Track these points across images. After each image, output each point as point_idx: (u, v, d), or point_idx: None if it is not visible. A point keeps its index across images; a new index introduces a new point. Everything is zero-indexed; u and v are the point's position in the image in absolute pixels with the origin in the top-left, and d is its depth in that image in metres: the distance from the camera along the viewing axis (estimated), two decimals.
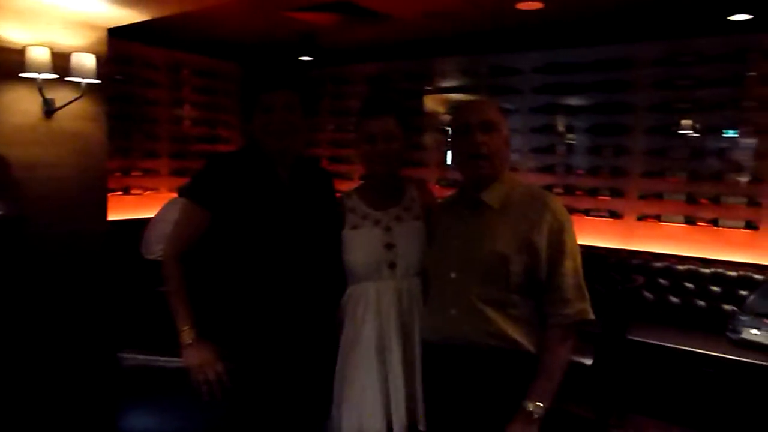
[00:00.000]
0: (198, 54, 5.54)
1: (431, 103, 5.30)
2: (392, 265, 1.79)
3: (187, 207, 1.81)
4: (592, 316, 1.62)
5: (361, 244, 1.82)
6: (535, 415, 1.56)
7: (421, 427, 1.74)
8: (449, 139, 1.77)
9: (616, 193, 4.28)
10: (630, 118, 4.23)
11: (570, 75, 4.45)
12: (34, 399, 2.87)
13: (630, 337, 3.35)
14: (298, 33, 4.52)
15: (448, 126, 1.75)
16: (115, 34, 4.02)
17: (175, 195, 4.64)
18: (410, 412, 1.74)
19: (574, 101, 4.52)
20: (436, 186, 4.92)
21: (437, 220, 1.82)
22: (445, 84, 5.20)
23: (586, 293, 1.62)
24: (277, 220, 1.77)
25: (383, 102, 1.87)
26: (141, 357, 1.73)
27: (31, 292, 2.92)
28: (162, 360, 1.73)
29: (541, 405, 1.57)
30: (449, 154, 4.83)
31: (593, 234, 4.28)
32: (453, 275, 1.66)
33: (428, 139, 5.22)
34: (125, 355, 1.73)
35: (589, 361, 3.02)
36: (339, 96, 5.73)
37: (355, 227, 1.84)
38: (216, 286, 1.80)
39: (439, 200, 1.95)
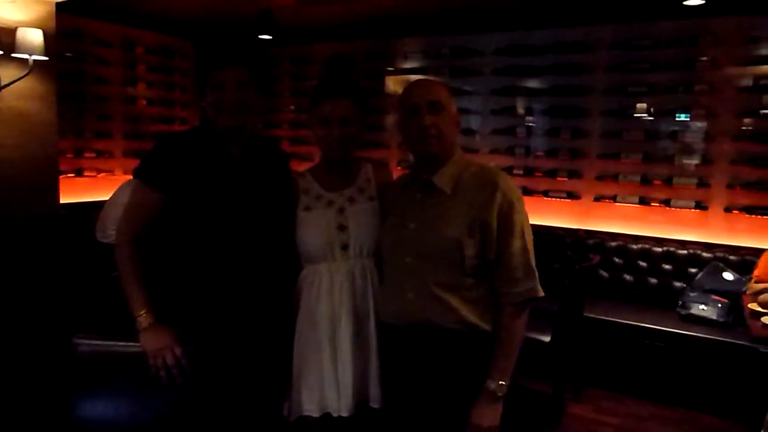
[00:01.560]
0: (153, 31, 5.35)
1: (392, 84, 5.28)
2: (345, 247, 1.79)
3: (138, 188, 1.76)
4: (541, 294, 1.64)
5: (313, 226, 1.81)
6: (499, 393, 1.60)
7: (373, 405, 1.77)
8: (399, 121, 1.75)
9: (574, 175, 4.37)
10: (587, 100, 4.31)
11: (530, 57, 4.49)
12: None
13: (586, 314, 3.45)
14: (256, 11, 4.41)
15: (399, 106, 1.74)
16: (64, 8, 3.84)
17: (130, 177, 4.51)
18: (361, 390, 1.76)
19: (533, 83, 4.57)
20: (398, 168, 4.92)
21: (391, 201, 1.82)
22: (407, 65, 5.17)
23: (535, 271, 1.64)
24: (227, 199, 1.75)
25: (340, 84, 1.83)
26: (96, 342, 1.68)
27: None
28: (119, 345, 1.69)
29: (504, 383, 1.61)
30: (401, 133, 4.81)
31: (552, 214, 4.36)
32: (408, 260, 1.66)
33: (389, 120, 5.21)
34: (80, 341, 1.68)
35: (546, 338, 3.10)
36: (299, 76, 5.65)
37: (308, 208, 1.83)
38: (170, 267, 1.77)
39: (393, 180, 1.94)
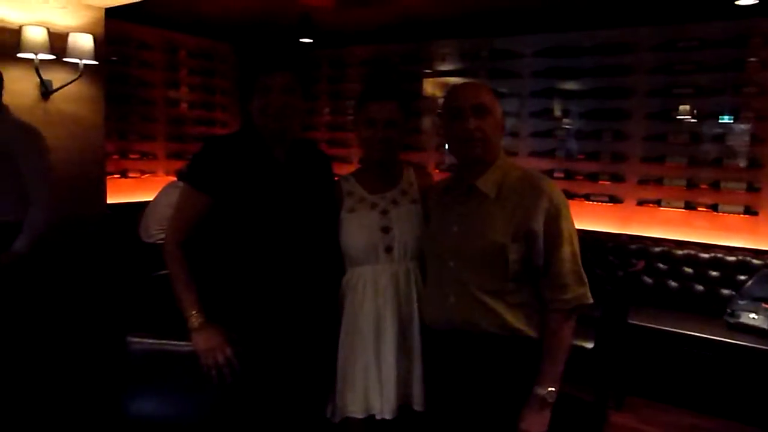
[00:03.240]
0: (194, 35, 5.46)
1: (430, 86, 5.27)
2: (389, 249, 1.79)
3: (187, 192, 1.79)
4: (590, 300, 1.62)
5: (357, 228, 1.82)
6: (549, 400, 1.58)
7: (417, 408, 1.77)
8: (443, 123, 1.75)
9: (616, 178, 4.29)
10: (630, 102, 4.23)
11: (570, 59, 4.43)
12: (41, 384, 2.86)
13: (630, 321, 3.38)
14: (295, 14, 4.46)
15: (442, 110, 1.74)
16: (112, 14, 3.95)
17: (173, 178, 4.61)
18: (405, 393, 1.76)
19: (574, 85, 4.51)
20: (435, 170, 4.91)
21: (434, 204, 1.81)
22: (444, 67, 5.16)
23: (585, 278, 1.62)
24: (274, 202, 1.77)
25: (386, 87, 1.85)
26: (149, 341, 1.72)
27: (31, 277, 2.90)
28: (170, 344, 1.72)
29: (553, 390, 1.59)
30: (444, 136, 4.81)
31: (593, 219, 4.30)
32: (451, 264, 1.66)
33: (426, 123, 5.20)
34: (133, 339, 1.72)
35: (589, 345, 3.04)
36: (336, 79, 5.68)
37: (351, 211, 1.84)
38: (218, 269, 1.80)
39: (436, 183, 1.94)
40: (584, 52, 4.37)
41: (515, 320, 1.61)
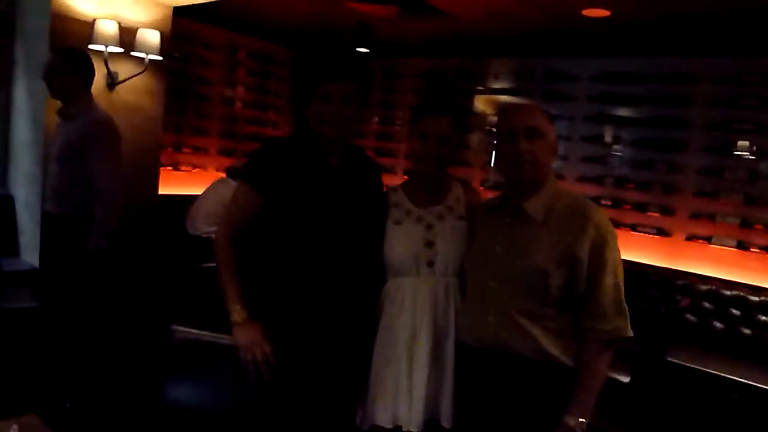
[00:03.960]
0: (255, 37, 5.59)
1: (481, 103, 5.26)
2: (431, 263, 1.80)
3: (242, 189, 1.84)
4: (630, 334, 1.60)
5: (401, 240, 1.83)
6: (579, 431, 1.55)
7: (444, 424, 1.76)
8: (494, 143, 1.75)
9: (666, 211, 4.18)
10: (686, 134, 4.12)
11: (627, 86, 4.35)
12: (88, 363, 2.97)
13: (669, 358, 3.28)
14: (353, 23, 4.53)
15: (495, 129, 1.74)
16: (179, 12, 4.10)
17: (222, 174, 4.73)
18: (434, 408, 1.76)
19: (629, 113, 4.42)
20: (480, 188, 4.89)
21: (479, 223, 1.81)
22: (497, 85, 5.14)
23: (626, 310, 1.60)
24: (324, 206, 1.80)
25: (442, 102, 1.86)
26: (192, 331, 1.77)
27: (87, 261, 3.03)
28: (212, 336, 1.77)
29: (584, 421, 1.56)
30: (494, 156, 4.80)
31: (638, 250, 4.19)
32: (492, 283, 1.66)
33: (474, 139, 5.19)
34: (176, 328, 1.77)
35: (625, 379, 2.97)
36: (388, 89, 5.72)
37: (397, 222, 1.86)
38: (263, 267, 1.84)
39: (482, 201, 1.94)
40: (642, 80, 4.28)
41: (551, 346, 1.59)
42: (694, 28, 3.77)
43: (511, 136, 1.65)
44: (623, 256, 1.67)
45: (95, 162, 2.79)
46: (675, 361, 3.37)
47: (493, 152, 1.62)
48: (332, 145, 1.84)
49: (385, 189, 1.99)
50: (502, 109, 1.78)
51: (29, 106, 3.70)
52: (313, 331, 1.79)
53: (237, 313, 1.74)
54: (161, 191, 4.42)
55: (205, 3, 3.91)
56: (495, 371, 1.65)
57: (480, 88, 5.22)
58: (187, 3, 3.91)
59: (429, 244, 1.82)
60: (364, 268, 1.85)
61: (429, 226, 1.84)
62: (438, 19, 4.19)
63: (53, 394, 2.68)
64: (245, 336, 1.72)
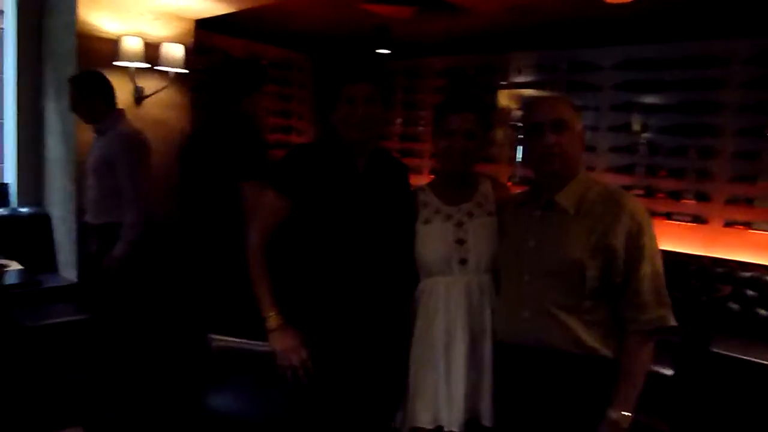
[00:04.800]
0: (275, 45, 5.63)
1: (504, 98, 5.21)
2: (463, 261, 1.79)
3: (270, 195, 1.85)
4: (673, 323, 1.56)
5: (432, 239, 1.82)
6: (623, 425, 1.52)
7: (485, 423, 1.74)
8: (521, 137, 1.73)
9: (701, 197, 4.07)
10: (719, 118, 4.01)
11: (654, 72, 4.26)
12: (130, 374, 3.04)
13: (713, 349, 3.19)
14: (371, 25, 4.53)
15: (520, 123, 1.72)
16: (201, 25, 4.15)
17: None
18: (474, 407, 1.74)
19: (657, 99, 4.32)
20: (507, 183, 4.84)
21: (510, 218, 1.79)
22: (520, 79, 5.08)
23: (667, 299, 1.56)
24: (352, 209, 1.79)
25: (466, 98, 1.85)
26: (229, 340, 1.79)
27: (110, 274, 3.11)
28: (248, 343, 1.78)
29: (628, 414, 1.53)
30: (520, 150, 4.75)
31: (674, 239, 4.09)
32: (526, 278, 1.64)
33: (499, 134, 5.14)
34: (214, 337, 1.79)
35: (668, 372, 2.90)
36: (410, 89, 5.71)
37: (427, 222, 1.84)
38: (295, 273, 1.84)
39: (512, 196, 1.92)
40: (670, 65, 4.18)
41: (591, 339, 1.56)
42: (720, 8, 3.68)
43: (538, 130, 1.63)
44: (659, 246, 1.63)
45: (123, 173, 2.96)
46: (719, 351, 3.28)
47: (520, 147, 1.60)
48: (358, 147, 1.83)
49: (412, 189, 1.98)
50: (527, 103, 1.77)
51: (61, 125, 3.79)
52: (349, 335, 1.79)
53: (272, 320, 1.75)
54: None
55: (225, 15, 3.95)
56: (534, 367, 1.62)
57: (503, 83, 5.17)
58: (208, 15, 3.96)
59: (460, 241, 1.80)
60: (397, 270, 1.84)
61: (459, 224, 1.82)
62: (456, 15, 4.17)
63: (97, 406, 2.73)
64: (281, 342, 1.72)
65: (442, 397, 1.75)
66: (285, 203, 1.80)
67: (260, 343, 1.75)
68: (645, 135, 4.38)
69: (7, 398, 2.06)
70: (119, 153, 2.97)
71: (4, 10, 3.95)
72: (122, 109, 3.20)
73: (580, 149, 1.68)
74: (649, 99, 4.35)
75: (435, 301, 1.80)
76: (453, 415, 1.73)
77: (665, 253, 3.89)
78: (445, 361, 1.76)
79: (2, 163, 4.14)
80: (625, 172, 4.40)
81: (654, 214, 4.17)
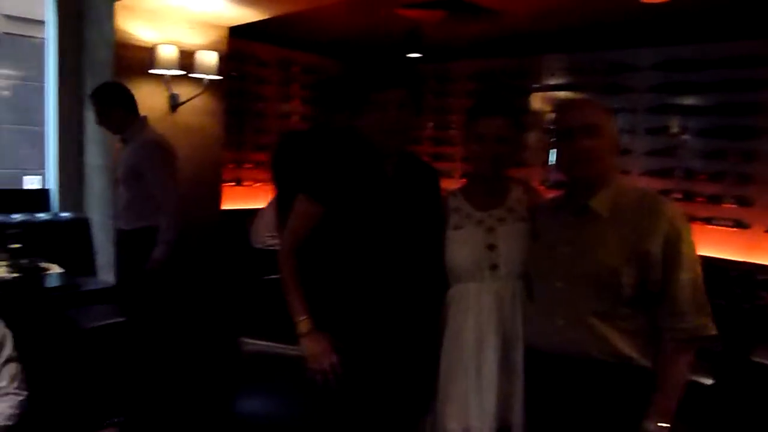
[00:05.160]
0: (306, 51, 5.68)
1: (538, 101, 5.15)
2: (494, 267, 1.76)
3: (303, 201, 1.85)
4: (713, 332, 1.52)
5: (462, 244, 1.80)
6: None
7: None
8: (552, 141, 1.69)
9: (743, 202, 3.94)
10: (761, 120, 3.88)
11: (693, 73, 4.14)
12: (160, 378, 3.09)
13: (755, 358, 3.08)
14: (402, 30, 4.53)
15: (552, 127, 1.69)
16: (234, 33, 4.22)
17: None
18: (505, 415, 1.71)
19: (697, 101, 4.21)
20: (541, 187, 4.77)
21: (543, 223, 1.76)
22: (554, 82, 5.01)
23: (707, 307, 1.52)
24: (382, 215, 1.79)
25: (497, 102, 1.82)
26: (260, 343, 1.80)
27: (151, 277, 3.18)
28: (280, 347, 1.79)
29: (665, 426, 1.49)
30: (554, 156, 4.68)
31: (714, 244, 3.97)
32: (559, 285, 1.60)
33: (532, 138, 5.07)
34: (245, 341, 1.81)
35: (708, 382, 2.81)
36: (441, 93, 5.69)
37: (457, 227, 1.83)
38: (325, 278, 1.84)
39: (544, 201, 1.88)
40: (710, 65, 4.07)
41: (627, 347, 1.53)
42: (760, 7, 3.56)
43: (569, 135, 1.60)
44: (699, 252, 1.58)
45: (153, 179, 3.04)
46: (760, 361, 3.16)
47: (552, 151, 1.58)
48: (388, 153, 1.83)
49: (444, 194, 1.96)
50: (558, 108, 1.73)
51: (99, 133, 3.89)
52: (379, 340, 1.79)
53: (303, 324, 1.76)
54: (225, 206, 4.55)
55: (257, 22, 4.01)
56: (568, 376, 1.59)
57: (536, 86, 5.11)
58: (241, 23, 4.02)
59: (491, 247, 1.78)
60: (427, 276, 1.83)
61: (490, 229, 1.80)
62: (487, 18, 4.14)
63: (133, 407, 2.79)
64: (311, 347, 1.73)
65: (472, 404, 1.73)
66: (316, 208, 1.81)
67: (291, 347, 1.76)
68: (683, 137, 4.27)
69: (52, 398, 2.13)
70: (147, 160, 3.05)
71: (46, 21, 4.08)
72: (145, 117, 3.27)
73: (613, 153, 1.65)
74: (688, 101, 4.24)
75: (465, 308, 1.78)
76: (483, 423, 1.71)
77: (705, 259, 3.79)
78: (475, 367, 1.74)
79: (44, 169, 4.28)
80: (663, 175, 4.29)
81: (693, 219, 4.05)
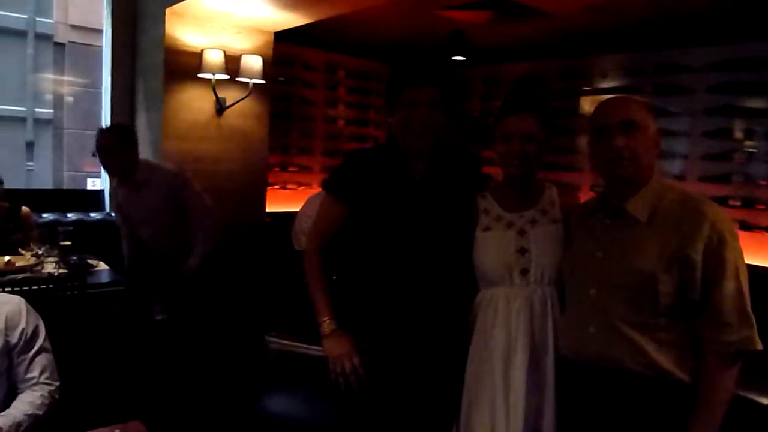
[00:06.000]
0: (352, 56, 5.72)
1: (588, 104, 4.99)
2: (524, 271, 1.69)
3: (326, 201, 1.84)
4: (759, 346, 1.39)
5: (492, 247, 1.73)
6: None
7: None
8: (590, 140, 1.61)
9: None
10: None
11: (753, 73, 3.92)
12: (189, 375, 3.15)
13: None
14: (447, 32, 4.49)
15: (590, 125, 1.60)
16: (279, 37, 4.28)
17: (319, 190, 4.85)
18: (535, 427, 1.64)
19: (757, 102, 3.98)
20: (591, 192, 4.61)
21: (577, 226, 1.67)
22: (605, 84, 4.85)
23: (752, 319, 1.40)
24: (408, 216, 1.75)
25: (525, 100, 1.76)
26: (285, 342, 1.79)
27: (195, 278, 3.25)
28: (304, 347, 1.78)
29: None
30: (591, 155, 4.51)
31: None
32: (593, 291, 1.52)
33: (582, 142, 4.92)
34: (271, 339, 1.81)
35: (765, 401, 2.62)
36: (489, 97, 5.60)
37: (487, 229, 1.76)
38: (351, 279, 1.83)
39: (579, 204, 1.79)
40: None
41: (664, 360, 1.43)
42: None
43: (606, 132, 1.52)
44: (757, 262, 1.47)
45: (191, 202, 3.02)
46: None
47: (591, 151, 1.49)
48: (417, 153, 1.79)
49: (492, 184, 1.90)
50: (597, 104, 1.64)
51: (149, 135, 4.02)
52: (405, 343, 1.75)
53: (326, 325, 1.74)
54: (271, 209, 4.61)
55: (302, 27, 4.05)
56: (601, 389, 1.50)
57: (586, 88, 4.96)
58: (286, 27, 4.08)
59: (522, 250, 1.71)
60: (455, 279, 1.78)
61: (521, 232, 1.73)
62: (535, 19, 4.04)
63: (159, 402, 2.84)
64: (334, 347, 1.71)
65: (500, 413, 1.67)
66: (341, 209, 1.79)
67: (316, 347, 1.75)
68: (743, 141, 4.05)
69: (83, 390, 2.19)
70: (180, 189, 3.01)
71: (104, 29, 4.26)
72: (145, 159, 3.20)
73: (653, 153, 1.55)
74: (748, 102, 4.02)
75: (494, 313, 1.71)
76: (512, 431, 1.64)
77: (765, 269, 3.59)
78: (503, 376, 1.67)
79: (93, 170, 4.46)
80: (721, 181, 4.07)
81: (753, 228, 3.82)
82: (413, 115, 1.72)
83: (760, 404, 2.62)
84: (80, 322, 2.58)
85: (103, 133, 2.97)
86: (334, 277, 1.84)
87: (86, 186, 7.48)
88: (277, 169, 5.27)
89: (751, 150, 4.01)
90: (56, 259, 3.06)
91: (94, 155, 3.00)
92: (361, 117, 5.90)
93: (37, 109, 9.12)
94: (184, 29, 3.80)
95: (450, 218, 1.79)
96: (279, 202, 5.16)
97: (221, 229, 3.16)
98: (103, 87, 4.30)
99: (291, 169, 5.40)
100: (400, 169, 1.79)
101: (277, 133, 5.06)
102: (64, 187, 8.64)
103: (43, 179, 8.79)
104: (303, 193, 5.41)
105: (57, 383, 1.73)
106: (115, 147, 2.91)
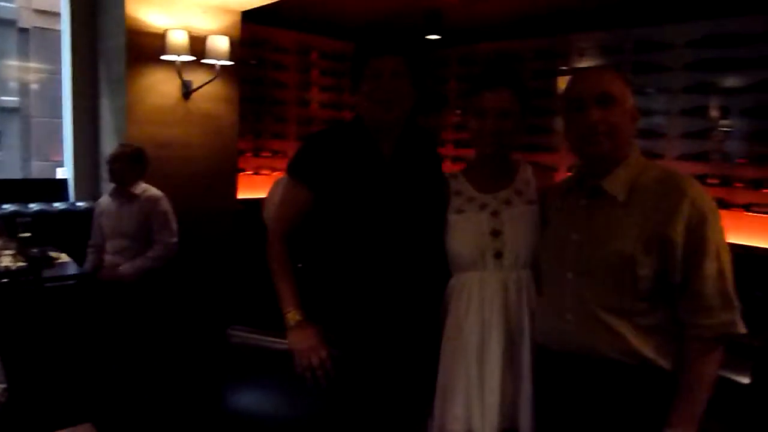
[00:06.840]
0: (325, 36, 5.56)
1: (565, 83, 4.92)
2: (498, 255, 1.62)
3: (289, 185, 1.75)
4: (742, 330, 1.34)
5: (464, 230, 1.66)
6: None
7: None
8: (564, 114, 1.52)
9: None
10: None
11: (732, 49, 3.88)
12: (155, 367, 3.07)
13: None
14: (422, 11, 4.38)
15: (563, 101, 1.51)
16: (248, 17, 4.13)
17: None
18: (511, 416, 1.60)
19: (736, 79, 3.95)
20: (569, 173, 4.56)
21: (552, 207, 1.60)
22: (583, 62, 4.78)
23: (735, 301, 1.34)
24: (376, 198, 1.67)
25: (498, 74, 1.67)
26: (248, 335, 1.70)
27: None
28: (269, 340, 1.69)
29: None
30: (564, 130, 4.47)
31: (754, 232, 3.72)
32: (570, 275, 1.45)
33: (559, 122, 4.85)
34: (233, 332, 1.71)
35: (745, 380, 2.61)
36: (465, 77, 5.51)
37: (459, 211, 1.69)
38: (318, 267, 1.74)
39: (554, 184, 1.73)
40: (751, 40, 3.79)
41: (644, 346, 1.37)
42: None
43: (580, 106, 1.43)
44: (736, 240, 1.41)
45: (160, 224, 3.12)
46: None
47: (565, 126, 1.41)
48: (383, 130, 1.70)
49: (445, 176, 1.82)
50: (571, 77, 1.56)
51: (114, 121, 3.86)
52: (375, 334, 1.67)
53: (291, 316, 1.65)
54: (243, 195, 4.49)
55: (272, 6, 3.90)
56: (579, 377, 1.45)
57: (563, 67, 4.89)
58: (254, 6, 3.93)
59: (495, 233, 1.63)
60: (427, 265, 1.70)
61: (495, 213, 1.65)
62: None
63: (110, 402, 2.75)
64: (299, 340, 1.62)
65: (474, 402, 1.61)
66: (304, 193, 1.70)
67: (280, 340, 1.65)
68: (722, 119, 4.02)
69: (23, 393, 2.09)
70: (159, 212, 3.13)
71: (61, 11, 4.07)
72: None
73: (631, 127, 1.47)
74: (726, 79, 3.98)
75: (467, 299, 1.65)
76: (486, 422, 1.59)
77: (744, 248, 3.59)
78: (477, 364, 1.61)
79: (62, 159, 4.29)
80: (699, 159, 4.05)
81: (731, 206, 3.82)
82: (379, 85, 1.63)
83: (739, 383, 2.61)
84: (35, 317, 2.46)
85: (124, 147, 3.25)
86: (300, 265, 1.75)
87: (55, 175, 7.28)
88: (249, 154, 5.13)
89: (728, 129, 3.98)
90: (14, 252, 2.92)
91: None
92: (335, 100, 5.76)
93: (2, 98, 8.84)
94: (147, 9, 3.64)
95: (420, 201, 1.71)
96: (252, 188, 5.03)
97: (168, 260, 3.16)
98: (63, 72, 4.12)
99: (264, 154, 5.26)
100: (366, 149, 1.70)
101: (249, 118, 4.91)
102: (33, 177, 8.41)
103: (11, 169, 8.55)
104: (276, 178, 5.28)
105: (3, 386, 1.62)
106: (120, 157, 3.15)
